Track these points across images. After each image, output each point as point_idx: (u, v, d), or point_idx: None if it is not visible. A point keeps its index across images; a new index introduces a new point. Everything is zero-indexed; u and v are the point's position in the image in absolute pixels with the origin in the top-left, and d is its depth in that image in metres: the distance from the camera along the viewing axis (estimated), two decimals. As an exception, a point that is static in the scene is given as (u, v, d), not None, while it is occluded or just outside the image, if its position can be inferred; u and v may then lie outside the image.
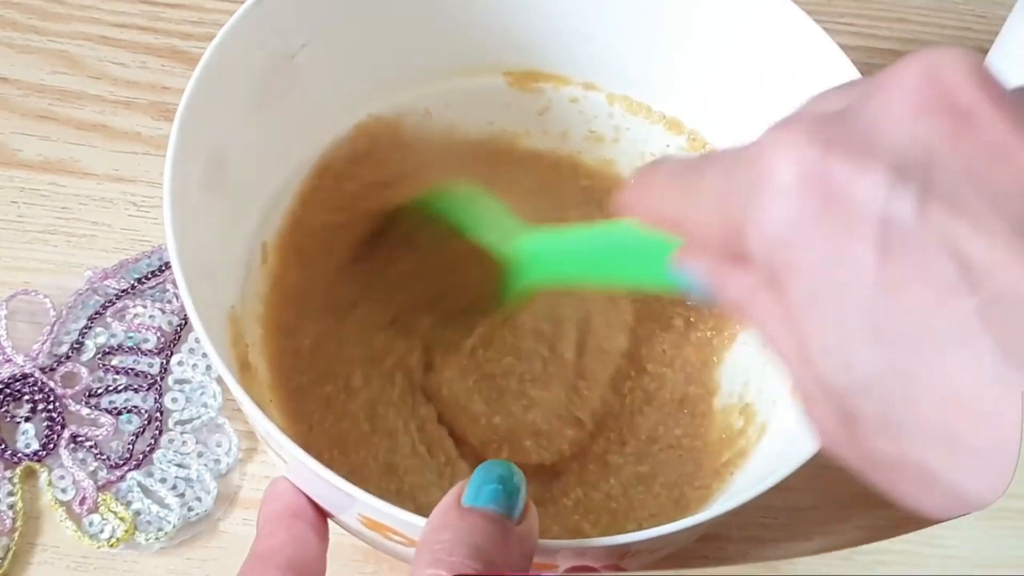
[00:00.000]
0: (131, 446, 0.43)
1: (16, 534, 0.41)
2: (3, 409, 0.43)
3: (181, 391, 0.44)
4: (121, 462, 0.42)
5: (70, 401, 0.43)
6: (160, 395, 0.44)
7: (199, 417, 0.44)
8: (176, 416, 0.44)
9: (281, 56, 0.39)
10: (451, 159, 0.45)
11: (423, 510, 0.29)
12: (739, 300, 0.26)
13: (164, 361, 0.45)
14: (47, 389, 0.43)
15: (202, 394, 0.44)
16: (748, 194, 0.23)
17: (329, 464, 0.39)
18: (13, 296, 0.45)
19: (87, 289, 0.46)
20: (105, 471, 0.42)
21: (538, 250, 0.38)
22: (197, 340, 0.45)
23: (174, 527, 0.41)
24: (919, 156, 0.21)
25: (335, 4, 0.40)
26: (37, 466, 0.42)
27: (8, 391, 0.43)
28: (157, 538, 0.41)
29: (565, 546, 0.30)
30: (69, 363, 0.44)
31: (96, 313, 0.45)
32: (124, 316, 0.45)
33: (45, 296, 0.45)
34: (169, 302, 0.46)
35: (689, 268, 0.27)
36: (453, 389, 0.42)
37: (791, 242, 0.22)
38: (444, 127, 0.45)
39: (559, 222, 0.45)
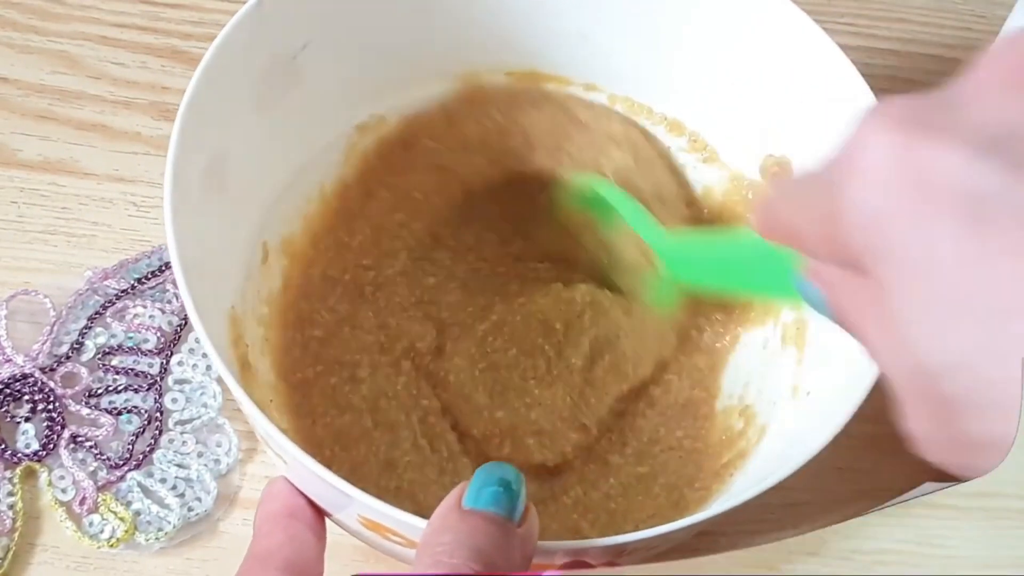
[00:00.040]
0: (131, 446, 0.43)
1: (16, 534, 0.41)
2: (3, 409, 0.43)
3: (181, 391, 0.44)
4: (121, 462, 0.42)
5: (70, 401, 0.43)
6: (160, 395, 0.44)
7: (199, 417, 0.44)
8: (176, 416, 0.44)
9: (282, 57, 0.39)
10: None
11: (422, 509, 0.29)
12: (846, 309, 0.26)
13: (164, 361, 0.45)
14: (47, 389, 0.43)
15: (202, 394, 0.44)
16: (843, 184, 0.23)
17: (329, 461, 0.39)
18: (13, 296, 0.45)
19: (87, 289, 0.46)
20: (105, 471, 0.42)
21: (681, 251, 0.40)
22: (197, 340, 0.45)
23: (174, 527, 0.41)
24: (1007, 131, 0.22)
25: (336, 5, 0.40)
26: (37, 466, 0.42)
27: (8, 391, 0.43)
28: (157, 538, 0.41)
29: (563, 547, 0.30)
30: (69, 363, 0.44)
31: (96, 313, 0.45)
32: (124, 316, 0.45)
33: (45, 296, 0.45)
34: (169, 302, 0.46)
35: (809, 280, 0.28)
36: (460, 377, 0.42)
37: (883, 223, 0.23)
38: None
39: (525, 151, 0.45)
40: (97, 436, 0.42)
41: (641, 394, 0.43)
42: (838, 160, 0.24)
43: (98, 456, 0.42)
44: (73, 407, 0.43)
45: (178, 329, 0.45)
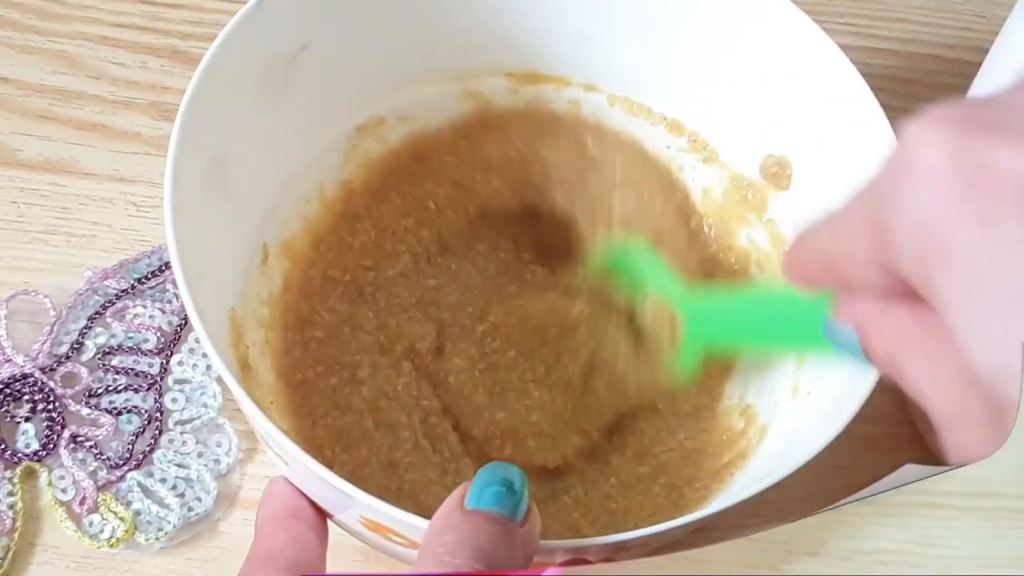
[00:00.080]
0: (131, 446, 0.43)
1: (16, 534, 0.41)
2: (3, 409, 0.43)
3: (181, 391, 0.44)
4: (121, 462, 0.42)
5: (70, 401, 0.43)
6: (160, 395, 0.44)
7: (199, 417, 0.44)
8: (176, 416, 0.44)
9: (282, 57, 0.39)
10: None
11: (424, 510, 0.29)
12: (884, 342, 0.25)
13: (164, 361, 0.45)
14: (47, 389, 0.43)
15: (202, 394, 0.44)
16: (893, 192, 0.23)
17: (330, 462, 0.39)
18: (13, 296, 0.45)
19: (87, 289, 0.46)
20: (105, 471, 0.42)
21: (704, 310, 0.39)
22: (197, 340, 0.45)
23: (174, 527, 0.41)
24: None
25: (336, 6, 0.40)
26: (37, 466, 0.42)
27: (8, 391, 0.43)
28: (157, 538, 0.41)
29: (563, 546, 0.30)
30: (69, 363, 0.44)
31: (96, 313, 0.45)
32: (124, 316, 0.45)
33: (45, 296, 0.45)
34: (169, 302, 0.46)
35: (842, 322, 0.27)
36: (460, 378, 0.42)
37: (942, 225, 0.22)
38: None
39: (543, 183, 0.45)
40: (97, 436, 0.42)
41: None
42: (886, 170, 0.24)
43: (98, 456, 0.42)
44: (73, 407, 0.43)
45: (178, 329, 0.45)
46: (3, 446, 0.42)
